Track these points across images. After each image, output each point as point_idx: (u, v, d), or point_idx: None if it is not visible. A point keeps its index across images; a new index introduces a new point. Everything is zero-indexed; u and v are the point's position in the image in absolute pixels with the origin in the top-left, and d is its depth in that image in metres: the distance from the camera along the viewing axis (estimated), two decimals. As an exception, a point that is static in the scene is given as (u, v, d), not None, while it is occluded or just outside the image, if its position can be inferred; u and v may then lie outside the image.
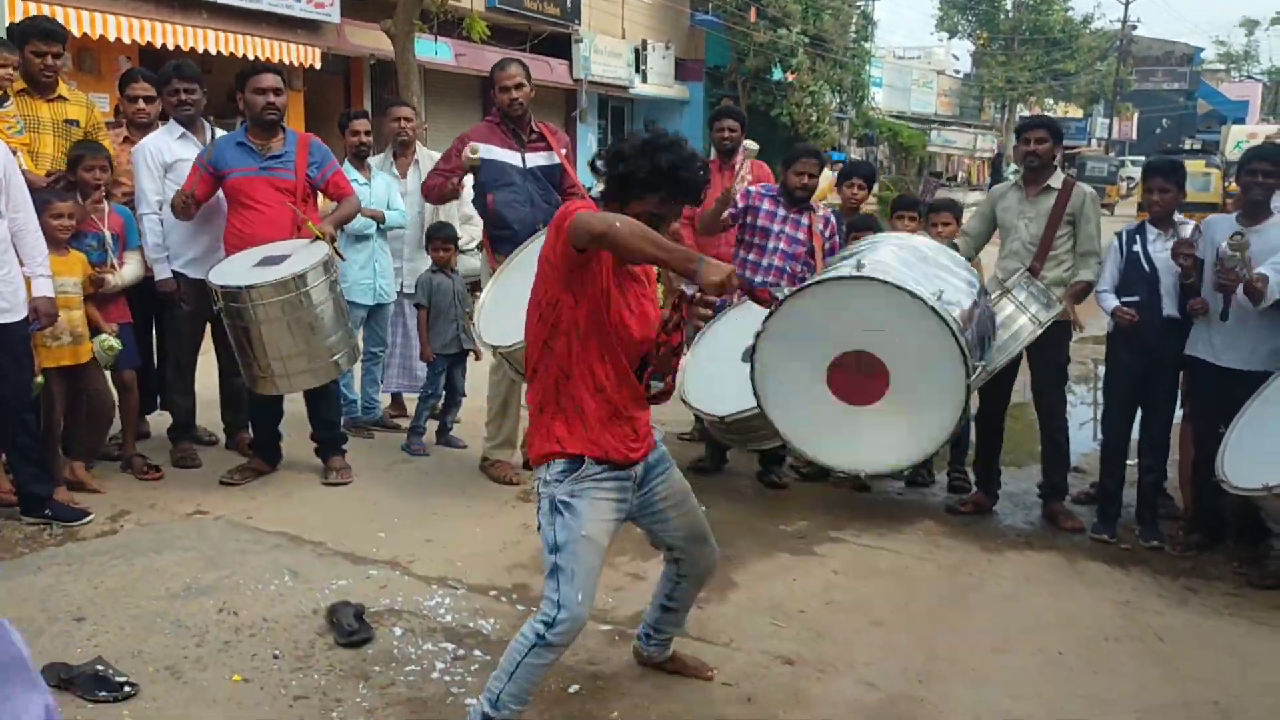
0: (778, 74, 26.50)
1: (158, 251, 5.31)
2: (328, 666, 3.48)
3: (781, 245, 5.53)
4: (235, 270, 4.91)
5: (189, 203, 5.02)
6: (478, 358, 5.98)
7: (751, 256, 5.59)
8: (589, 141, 23.41)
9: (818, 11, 27.18)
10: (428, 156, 6.45)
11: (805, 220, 5.55)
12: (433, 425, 6.13)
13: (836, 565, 4.58)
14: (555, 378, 2.90)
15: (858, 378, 4.46)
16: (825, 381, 4.50)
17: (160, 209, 5.30)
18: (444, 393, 6.05)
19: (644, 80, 25.25)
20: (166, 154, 5.32)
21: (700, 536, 3.24)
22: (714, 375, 4.69)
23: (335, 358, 5.05)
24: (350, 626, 3.68)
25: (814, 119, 26.81)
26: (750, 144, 6.03)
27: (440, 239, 5.87)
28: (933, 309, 4.29)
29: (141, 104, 5.53)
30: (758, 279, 5.45)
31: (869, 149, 35.52)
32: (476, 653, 3.61)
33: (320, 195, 5.37)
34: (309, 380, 5.07)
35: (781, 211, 5.56)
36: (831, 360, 4.50)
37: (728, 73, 27.29)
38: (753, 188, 5.71)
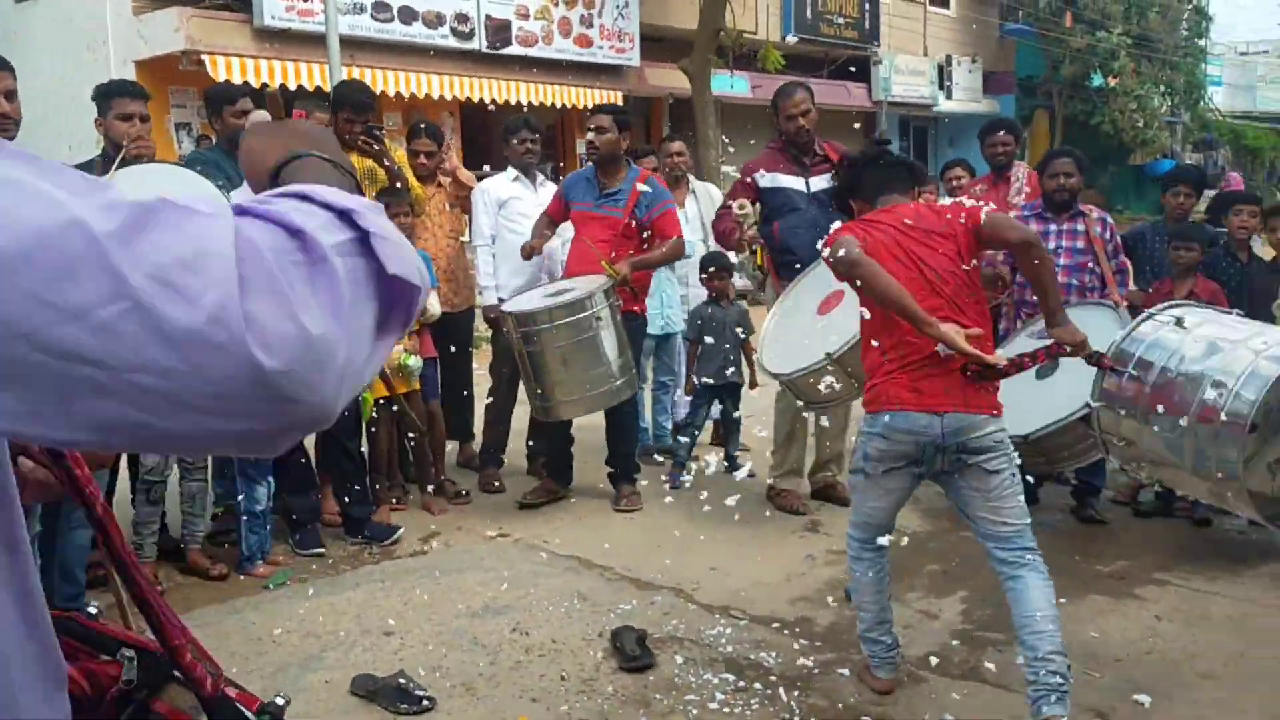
0: (1097, 80, 24.76)
1: (487, 280, 5.82)
2: (610, 691, 3.51)
3: (1061, 260, 5.09)
4: (528, 301, 5.25)
5: (537, 246, 5.45)
6: (752, 387, 5.93)
7: None
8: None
9: (1142, 10, 25.24)
10: (703, 188, 6.64)
11: (1081, 227, 5.13)
12: (719, 451, 6.14)
13: (1160, 610, 4.11)
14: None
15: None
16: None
17: (492, 243, 5.81)
18: (717, 422, 6.05)
19: (948, 97, 24.37)
20: (501, 193, 5.86)
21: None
22: None
23: (616, 383, 5.17)
24: (633, 652, 3.71)
25: (1140, 125, 24.82)
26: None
27: (714, 269, 5.86)
28: None
29: (423, 159, 5.73)
30: None
31: (1208, 154, 32.42)
32: (757, 685, 3.53)
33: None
34: (592, 404, 5.21)
35: (1053, 227, 5.16)
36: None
37: (1041, 83, 25.84)
38: (1013, 213, 5.35)
